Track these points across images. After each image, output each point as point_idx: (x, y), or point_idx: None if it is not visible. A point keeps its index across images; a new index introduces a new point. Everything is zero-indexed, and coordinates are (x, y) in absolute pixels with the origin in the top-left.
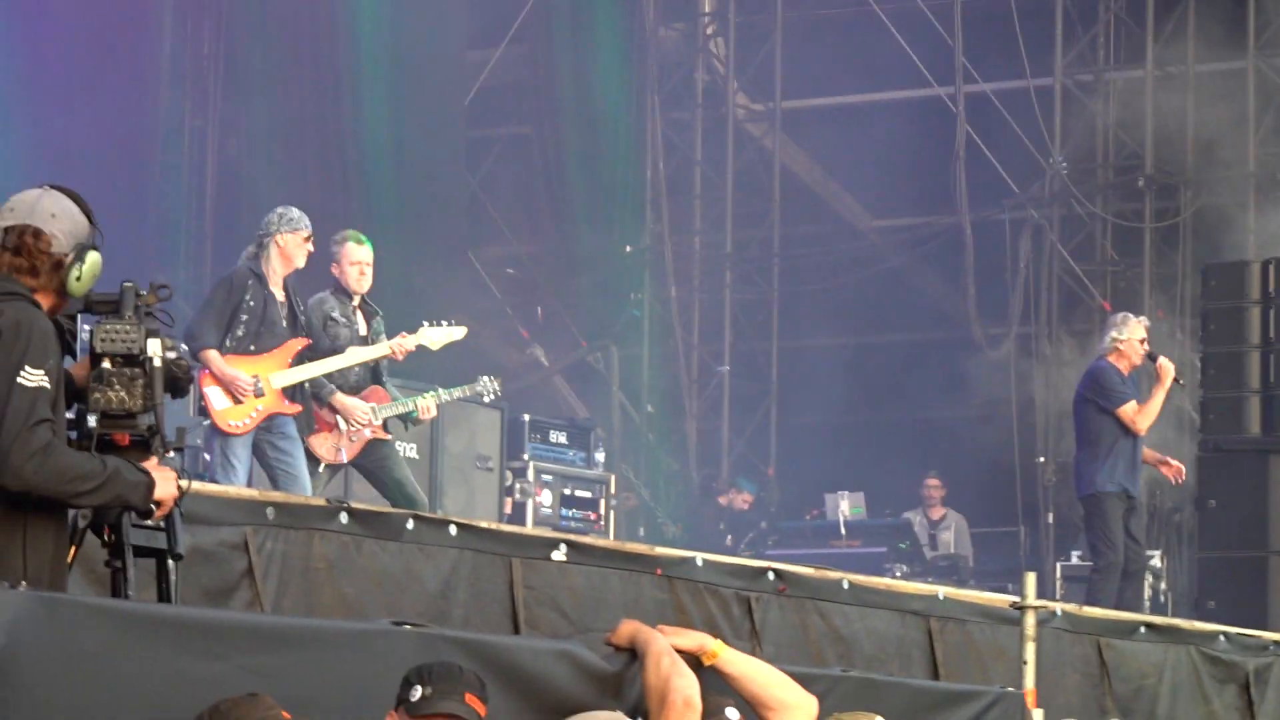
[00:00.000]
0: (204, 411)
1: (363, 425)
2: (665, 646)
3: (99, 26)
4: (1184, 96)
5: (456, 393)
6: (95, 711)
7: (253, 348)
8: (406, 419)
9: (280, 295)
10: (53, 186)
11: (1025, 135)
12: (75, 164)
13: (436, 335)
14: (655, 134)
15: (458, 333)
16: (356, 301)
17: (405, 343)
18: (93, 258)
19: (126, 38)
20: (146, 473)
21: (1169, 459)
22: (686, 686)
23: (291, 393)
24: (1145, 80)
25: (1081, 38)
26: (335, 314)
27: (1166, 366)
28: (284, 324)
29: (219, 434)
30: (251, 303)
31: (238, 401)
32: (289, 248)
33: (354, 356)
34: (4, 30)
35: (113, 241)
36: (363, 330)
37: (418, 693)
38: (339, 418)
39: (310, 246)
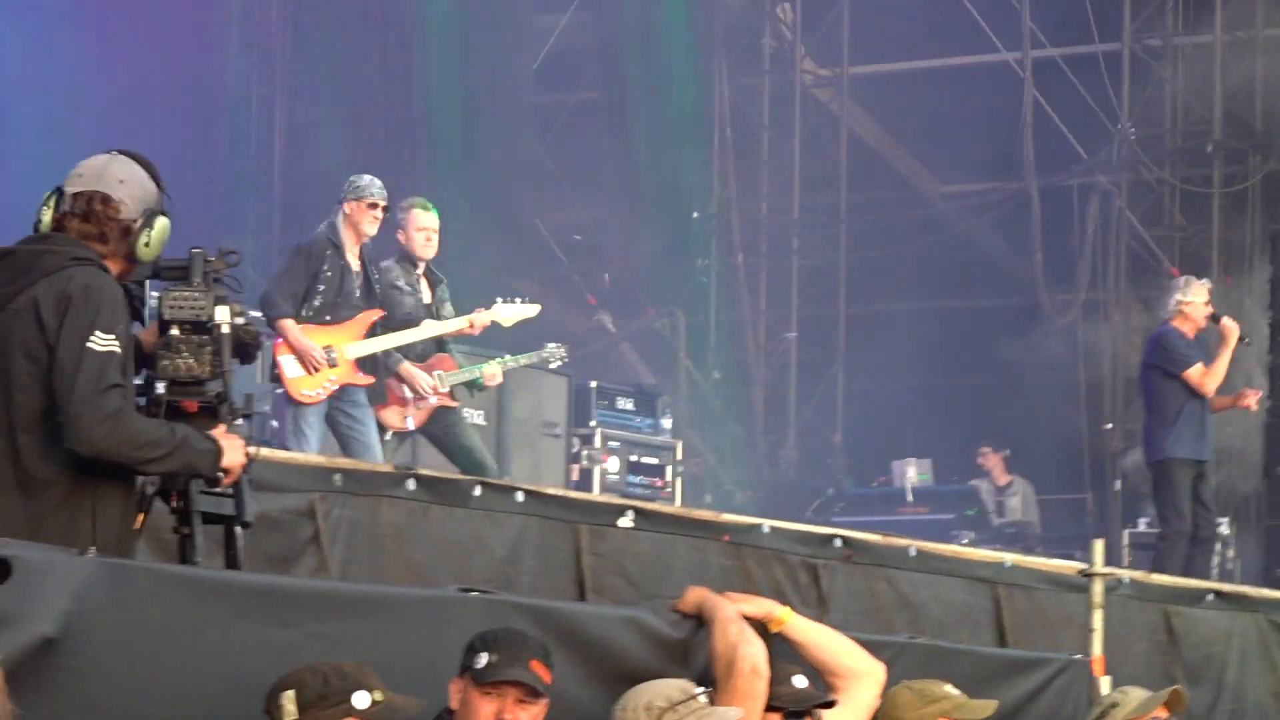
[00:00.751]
0: (277, 379)
1: (426, 394)
2: (733, 613)
3: None
4: (1253, 61)
5: (523, 360)
6: (163, 677)
7: (328, 318)
8: (473, 386)
9: (356, 265)
10: (121, 152)
11: (1093, 101)
12: (143, 131)
13: (510, 312)
14: (722, 100)
15: (531, 310)
16: (421, 269)
17: (480, 318)
18: (161, 223)
19: (195, 5)
20: (214, 441)
21: (1243, 391)
22: (754, 654)
23: (364, 364)
24: (1214, 45)
25: (1150, 3)
26: (400, 282)
27: (1231, 326)
28: (359, 294)
29: (291, 402)
30: (329, 273)
31: (311, 371)
32: (355, 215)
33: (429, 330)
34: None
35: (181, 209)
36: (427, 298)
37: (483, 659)
38: (405, 386)
39: (379, 214)
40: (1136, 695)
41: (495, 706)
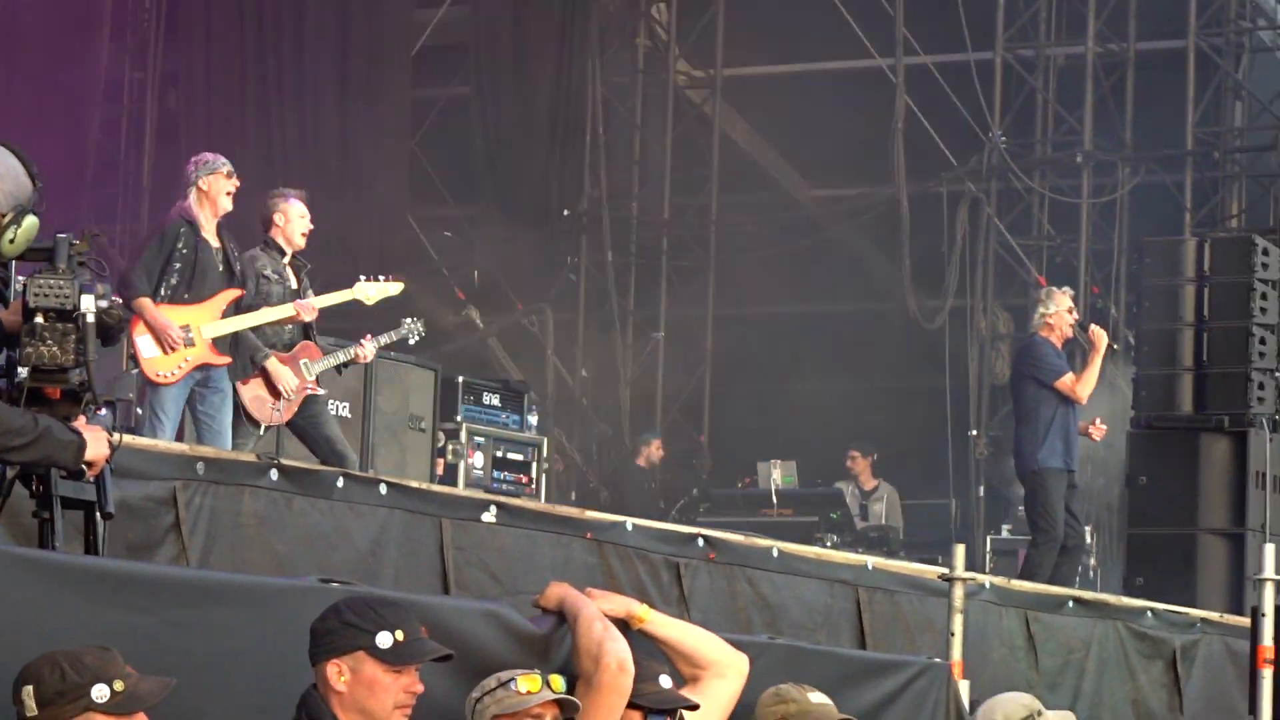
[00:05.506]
0: (134, 360)
1: (290, 395)
2: (596, 610)
3: None
4: (1124, 73)
5: (383, 339)
6: (18, 663)
7: (186, 295)
8: (341, 368)
9: (215, 243)
10: (0, 143)
11: (965, 109)
12: (14, 115)
13: (372, 290)
14: (595, 99)
15: (394, 288)
16: (288, 258)
17: (333, 298)
18: (29, 222)
19: None
20: (78, 433)
21: (1093, 420)
22: (620, 650)
23: (222, 343)
24: (1086, 56)
25: (1023, 12)
26: (267, 270)
27: (1099, 333)
28: (219, 271)
29: (149, 385)
30: (184, 250)
31: (167, 351)
32: (212, 189)
33: (285, 310)
34: None
35: (50, 194)
36: (294, 285)
37: (388, 639)
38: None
39: (233, 184)
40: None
41: (406, 681)
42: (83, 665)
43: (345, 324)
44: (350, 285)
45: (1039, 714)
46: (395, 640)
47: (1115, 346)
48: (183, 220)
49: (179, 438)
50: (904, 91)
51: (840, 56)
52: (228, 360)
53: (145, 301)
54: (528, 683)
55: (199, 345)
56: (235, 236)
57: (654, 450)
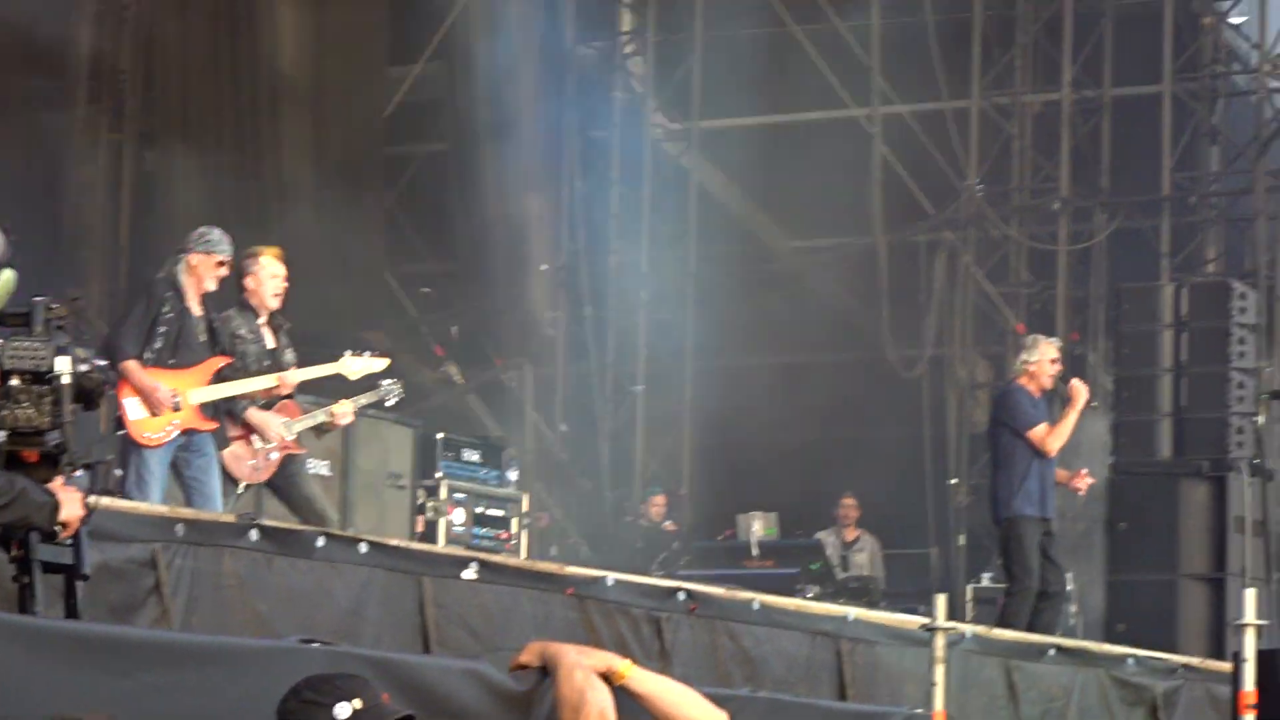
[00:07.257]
0: (119, 423)
1: (275, 442)
2: (578, 660)
3: (16, 38)
4: (1100, 119)
5: (362, 400)
6: None
7: (171, 361)
8: (320, 429)
9: (198, 310)
10: None
11: (941, 158)
12: None
13: (357, 365)
14: (572, 152)
15: (379, 364)
16: (264, 319)
17: (317, 371)
18: (6, 275)
19: (44, 51)
20: (52, 495)
21: (1079, 471)
22: (601, 699)
23: (209, 410)
24: (1061, 104)
25: (998, 61)
26: (242, 331)
27: (1079, 388)
28: (202, 338)
29: (134, 448)
30: (169, 314)
31: (154, 414)
32: (200, 268)
33: (267, 381)
34: None
35: (25, 256)
36: (270, 344)
37: (347, 709)
38: (254, 435)
39: (224, 271)
40: None
41: None
42: None
43: (326, 383)
44: (332, 353)
45: None
46: (354, 709)
47: (1094, 404)
48: (169, 285)
49: (166, 502)
50: (881, 141)
51: (816, 107)
52: (214, 425)
53: (132, 364)
54: None
55: (186, 410)
56: (215, 296)
57: (656, 505)
